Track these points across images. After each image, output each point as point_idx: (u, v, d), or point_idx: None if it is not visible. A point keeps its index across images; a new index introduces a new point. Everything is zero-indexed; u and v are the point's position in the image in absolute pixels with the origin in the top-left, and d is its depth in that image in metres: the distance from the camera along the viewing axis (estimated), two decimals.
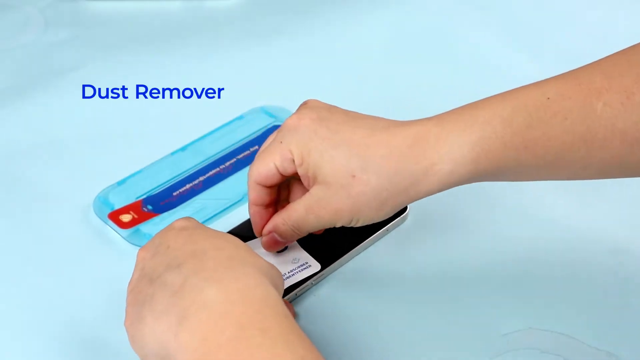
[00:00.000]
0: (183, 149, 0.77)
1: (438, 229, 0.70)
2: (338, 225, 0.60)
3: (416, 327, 0.63)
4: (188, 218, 0.59)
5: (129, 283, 0.57)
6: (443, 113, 0.58)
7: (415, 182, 0.57)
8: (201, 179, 0.75)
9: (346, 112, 0.61)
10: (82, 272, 0.68)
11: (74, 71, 0.87)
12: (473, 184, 0.59)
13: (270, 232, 0.63)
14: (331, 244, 0.67)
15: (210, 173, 0.75)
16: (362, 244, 0.68)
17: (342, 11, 0.95)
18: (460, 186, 0.58)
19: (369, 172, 0.57)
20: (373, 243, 0.69)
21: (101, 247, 0.70)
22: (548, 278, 0.65)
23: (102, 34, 0.92)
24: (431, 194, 0.58)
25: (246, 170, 0.69)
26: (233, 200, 0.73)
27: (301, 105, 0.63)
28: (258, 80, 0.87)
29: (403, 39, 0.92)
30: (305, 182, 0.61)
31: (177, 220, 0.59)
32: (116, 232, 0.70)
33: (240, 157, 0.76)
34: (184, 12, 0.97)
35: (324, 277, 0.66)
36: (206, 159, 0.76)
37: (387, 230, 0.69)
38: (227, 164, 0.76)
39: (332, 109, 0.61)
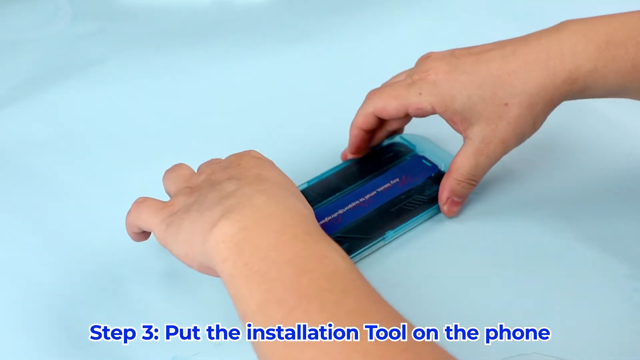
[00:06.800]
0: (318, 178, 0.73)
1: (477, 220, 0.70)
2: (505, 154, 0.66)
3: None
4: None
5: (189, 181, 0.61)
6: (569, 21, 0.64)
7: (558, 90, 0.62)
8: (340, 212, 0.70)
9: (469, 50, 0.66)
10: None
11: (98, 65, 0.86)
12: None
13: (448, 197, 0.68)
14: (373, 223, 0.68)
15: (350, 206, 0.70)
16: (407, 222, 0.68)
17: (373, 14, 0.94)
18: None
19: (519, 95, 0.63)
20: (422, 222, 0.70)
21: None
22: (557, 301, 0.64)
23: (130, 28, 0.92)
24: (573, 99, 0.64)
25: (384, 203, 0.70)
26: (377, 237, 0.67)
27: (424, 59, 0.68)
28: (284, 86, 0.86)
29: (434, 45, 0.90)
30: (454, 126, 0.66)
31: (253, 150, 0.62)
32: None
33: (381, 190, 0.71)
34: (214, 9, 0.96)
35: (365, 257, 0.67)
36: (346, 190, 0.71)
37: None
38: (367, 196, 0.71)
39: (454, 52, 0.67)
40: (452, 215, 0.69)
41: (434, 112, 0.66)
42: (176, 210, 0.58)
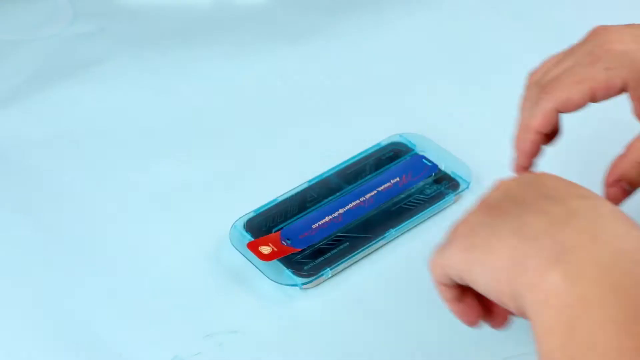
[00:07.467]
0: (318, 178, 0.72)
1: None
2: None
3: (416, 337, 0.62)
4: None
5: (480, 198, 0.49)
6: None
7: None
8: (341, 211, 0.69)
9: None
10: None
11: (98, 65, 0.86)
12: None
13: (616, 181, 0.56)
14: (374, 222, 0.68)
15: (351, 205, 0.70)
16: (408, 222, 0.68)
17: (372, 13, 0.94)
18: None
19: None
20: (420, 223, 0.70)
21: None
22: None
23: (130, 28, 0.92)
24: None
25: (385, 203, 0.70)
26: (378, 237, 0.67)
27: (599, 31, 0.57)
28: (285, 85, 0.86)
29: (434, 44, 0.90)
30: None
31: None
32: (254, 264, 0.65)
33: (381, 189, 0.71)
34: (214, 8, 0.96)
35: (365, 256, 0.67)
36: (346, 189, 0.71)
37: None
38: (368, 196, 0.70)
39: (634, 25, 0.57)
40: (617, 203, 0.56)
41: (622, 91, 0.55)
42: (471, 229, 0.47)
